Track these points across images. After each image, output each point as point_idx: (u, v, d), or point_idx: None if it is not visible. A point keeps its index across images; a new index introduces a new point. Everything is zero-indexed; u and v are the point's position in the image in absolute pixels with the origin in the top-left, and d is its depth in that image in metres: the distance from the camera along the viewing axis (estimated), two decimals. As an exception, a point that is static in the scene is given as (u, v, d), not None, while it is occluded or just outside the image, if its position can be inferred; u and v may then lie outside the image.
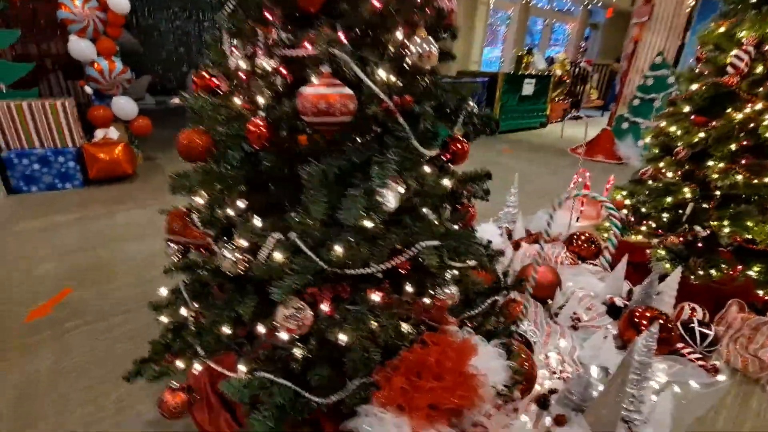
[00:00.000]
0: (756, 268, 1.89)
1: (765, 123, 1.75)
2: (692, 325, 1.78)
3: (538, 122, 7.96)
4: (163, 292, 1.19)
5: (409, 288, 1.03)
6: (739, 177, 1.82)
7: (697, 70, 2.03)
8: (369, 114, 0.82)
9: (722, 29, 1.90)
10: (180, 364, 1.05)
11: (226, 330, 1.00)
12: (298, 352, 0.96)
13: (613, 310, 1.99)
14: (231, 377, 0.97)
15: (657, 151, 2.22)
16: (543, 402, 1.47)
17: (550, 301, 2.03)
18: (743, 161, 1.83)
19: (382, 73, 0.82)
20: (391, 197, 0.85)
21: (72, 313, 1.94)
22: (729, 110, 1.85)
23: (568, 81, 8.64)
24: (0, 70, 3.27)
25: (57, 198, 3.32)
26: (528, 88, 7.34)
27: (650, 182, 2.22)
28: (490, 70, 9.64)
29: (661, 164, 2.13)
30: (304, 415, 0.93)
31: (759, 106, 1.75)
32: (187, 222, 0.98)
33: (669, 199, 2.07)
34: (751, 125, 1.79)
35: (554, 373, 1.61)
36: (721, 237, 1.87)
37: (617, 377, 1.20)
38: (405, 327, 0.98)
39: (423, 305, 0.96)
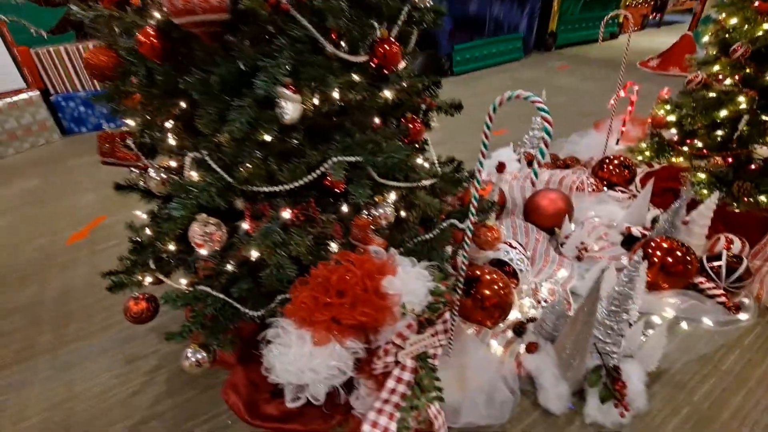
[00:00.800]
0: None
1: None
2: (718, 259, 1.54)
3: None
4: (139, 213, 1.27)
5: (344, 208, 0.98)
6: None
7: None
8: (247, 10, 0.72)
9: None
10: (140, 277, 1.14)
11: (171, 247, 1.05)
12: (228, 267, 0.98)
13: (629, 241, 1.79)
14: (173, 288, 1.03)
15: (713, 53, 1.80)
16: (518, 330, 1.41)
17: (557, 230, 1.87)
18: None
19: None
20: (289, 108, 0.78)
21: (104, 236, 2.18)
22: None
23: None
24: (34, 16, 3.44)
25: (104, 136, 3.63)
26: (596, -9, 6.25)
27: (701, 91, 1.84)
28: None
29: (716, 67, 1.74)
30: (234, 322, 0.98)
31: None
32: (116, 143, 1.00)
33: (722, 113, 1.71)
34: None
35: (540, 302, 1.52)
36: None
37: (582, 308, 1.09)
38: (330, 246, 0.95)
39: (341, 225, 0.92)
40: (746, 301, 1.54)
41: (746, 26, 1.57)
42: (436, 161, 1.21)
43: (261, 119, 0.77)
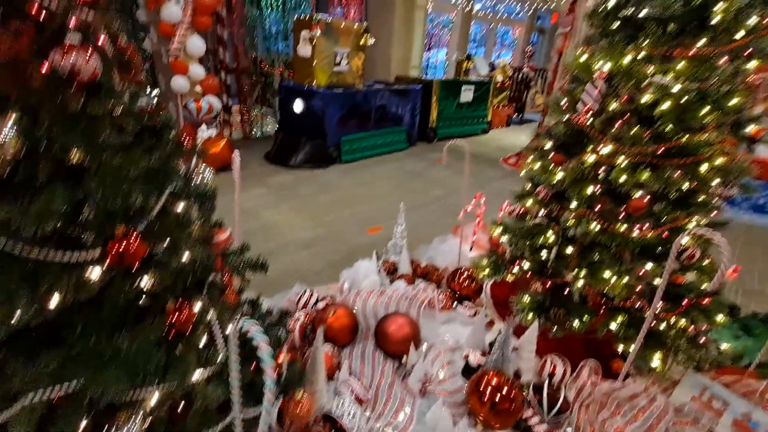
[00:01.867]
0: (618, 320, 1.74)
1: (617, 167, 1.59)
2: (541, 390, 1.61)
3: (479, 129, 7.88)
4: None
5: None
6: (594, 224, 1.66)
7: (562, 102, 1.86)
8: None
9: (584, 57, 1.73)
10: None
11: None
12: None
13: (467, 370, 1.81)
14: None
15: (528, 188, 2.04)
16: None
17: (405, 357, 1.83)
18: (598, 206, 1.67)
19: None
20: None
21: None
22: (583, 150, 1.68)
23: (508, 86, 8.61)
24: None
25: None
26: (467, 94, 7.22)
27: (521, 221, 2.05)
28: (436, 74, 9.50)
29: (528, 202, 1.96)
30: None
31: (609, 148, 1.59)
32: None
33: (535, 241, 1.90)
34: (603, 168, 1.63)
35: (371, 463, 1.39)
36: (574, 289, 1.71)
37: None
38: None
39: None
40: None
41: (545, 174, 1.81)
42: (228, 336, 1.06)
43: None
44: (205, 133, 4.49)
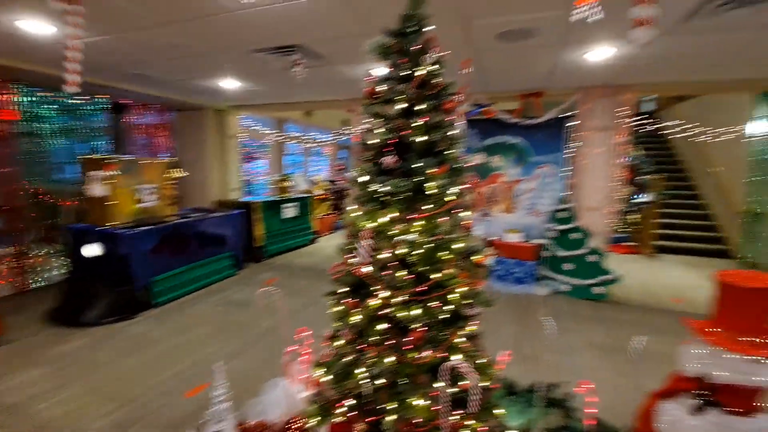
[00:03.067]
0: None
1: (396, 306, 1.89)
2: None
3: (307, 240, 8.24)
4: None
5: None
6: (392, 358, 1.87)
7: (345, 255, 2.15)
8: None
9: (354, 215, 2.07)
10: None
11: None
12: None
13: None
14: None
15: (337, 325, 2.20)
16: None
17: None
18: (392, 342, 1.91)
19: None
20: None
21: None
22: (370, 294, 1.95)
23: (329, 197, 9.50)
24: None
25: None
26: (289, 211, 7.61)
27: (339, 358, 2.16)
28: (259, 193, 9.76)
29: (338, 343, 2.10)
30: None
31: (387, 293, 1.89)
32: None
33: (351, 380, 2.01)
34: (387, 309, 1.91)
35: None
36: (387, 425, 1.84)
37: None
38: None
39: None
40: None
41: (344, 316, 2.00)
42: None
43: None
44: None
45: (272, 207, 7.29)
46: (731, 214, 7.00)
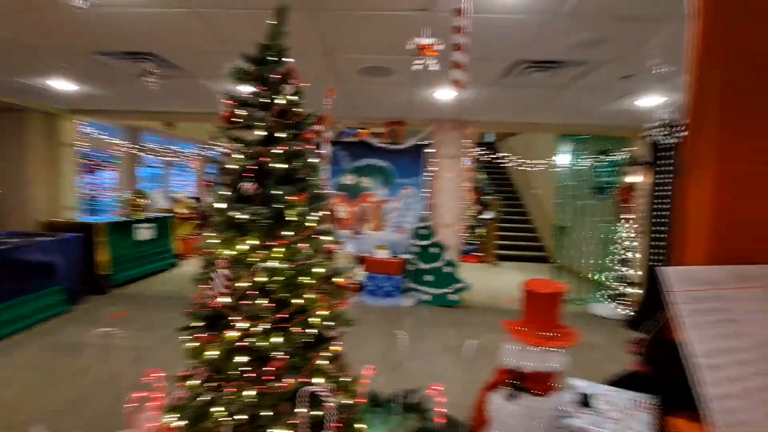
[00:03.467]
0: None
1: (256, 337, 1.87)
2: None
3: (167, 264, 7.38)
4: None
5: None
6: (252, 392, 1.84)
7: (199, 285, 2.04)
8: None
9: (210, 242, 1.99)
10: None
11: None
12: None
13: None
14: None
15: (191, 362, 2.06)
16: None
17: None
18: (252, 374, 1.88)
19: None
20: None
21: None
22: (227, 326, 1.89)
23: (192, 217, 8.71)
24: None
25: None
26: (144, 232, 6.72)
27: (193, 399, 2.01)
28: (106, 213, 8.39)
29: (190, 383, 1.96)
30: None
31: (246, 324, 1.86)
32: None
33: (209, 421, 1.90)
34: (247, 340, 1.88)
35: None
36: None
37: None
38: None
39: None
40: None
41: (200, 353, 1.89)
42: None
43: None
44: None
45: (121, 228, 6.33)
46: (547, 227, 8.75)
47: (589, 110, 5.12)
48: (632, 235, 5.52)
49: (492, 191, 9.32)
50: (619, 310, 5.53)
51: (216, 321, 1.95)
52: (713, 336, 1.32)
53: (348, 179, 6.56)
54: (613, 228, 5.98)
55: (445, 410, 2.50)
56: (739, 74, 1.54)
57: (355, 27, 2.90)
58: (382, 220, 6.59)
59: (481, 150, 8.59)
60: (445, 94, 4.57)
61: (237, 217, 1.95)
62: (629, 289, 5.53)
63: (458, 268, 5.93)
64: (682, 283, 1.39)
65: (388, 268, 6.04)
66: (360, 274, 6.13)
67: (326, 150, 4.69)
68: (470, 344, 3.70)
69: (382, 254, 6.21)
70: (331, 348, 2.14)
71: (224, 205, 2.00)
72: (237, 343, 1.89)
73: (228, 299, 1.91)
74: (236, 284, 1.90)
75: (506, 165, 10.51)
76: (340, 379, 2.16)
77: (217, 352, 1.90)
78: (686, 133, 1.57)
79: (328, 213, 2.24)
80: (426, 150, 6.30)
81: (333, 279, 2.23)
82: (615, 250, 5.79)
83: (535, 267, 8.62)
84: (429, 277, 5.89)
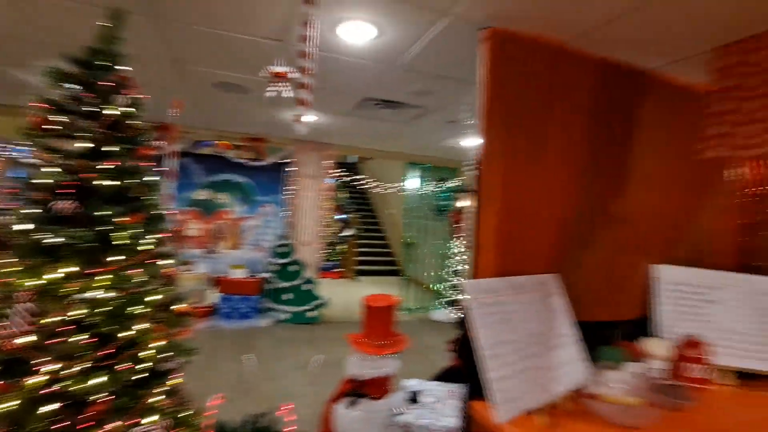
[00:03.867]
0: None
1: (72, 379, 1.63)
2: None
3: None
4: None
5: None
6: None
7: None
8: None
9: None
10: None
11: None
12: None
13: None
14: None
15: None
16: None
17: None
18: (65, 424, 1.63)
19: None
20: None
21: None
22: (30, 372, 1.61)
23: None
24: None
25: None
26: None
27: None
28: None
29: None
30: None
31: (57, 365, 1.61)
32: None
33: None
34: (58, 385, 1.62)
35: None
36: None
37: None
38: None
39: None
40: None
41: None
42: None
43: None
44: None
45: None
46: (399, 244, 9.62)
47: (428, 144, 5.92)
48: (462, 250, 6.53)
49: (353, 209, 9.81)
50: (452, 314, 6.43)
51: (12, 365, 1.63)
52: (494, 333, 1.72)
53: (202, 194, 6.09)
54: (448, 244, 6.98)
55: (295, 428, 2.55)
56: (512, 128, 2.07)
57: (204, 42, 2.82)
58: (239, 238, 6.29)
59: (343, 170, 9.00)
60: (304, 117, 4.71)
61: (45, 240, 1.69)
62: (460, 296, 6.49)
63: (318, 285, 6.05)
64: (474, 292, 1.76)
65: (244, 288, 5.77)
66: (213, 296, 5.71)
67: (171, 165, 4.30)
68: (317, 359, 3.84)
69: (239, 274, 5.91)
70: (169, 382, 2.00)
71: (30, 226, 1.71)
72: (44, 390, 1.61)
73: (31, 338, 1.62)
74: (43, 320, 1.63)
75: (365, 186, 11.25)
76: (179, 415, 2.02)
77: (17, 402, 1.59)
78: (479, 171, 2.01)
79: (171, 233, 2.11)
80: (286, 168, 6.32)
81: (172, 306, 2.09)
82: (450, 264, 6.75)
83: (389, 280, 9.32)
84: (288, 296, 5.84)
